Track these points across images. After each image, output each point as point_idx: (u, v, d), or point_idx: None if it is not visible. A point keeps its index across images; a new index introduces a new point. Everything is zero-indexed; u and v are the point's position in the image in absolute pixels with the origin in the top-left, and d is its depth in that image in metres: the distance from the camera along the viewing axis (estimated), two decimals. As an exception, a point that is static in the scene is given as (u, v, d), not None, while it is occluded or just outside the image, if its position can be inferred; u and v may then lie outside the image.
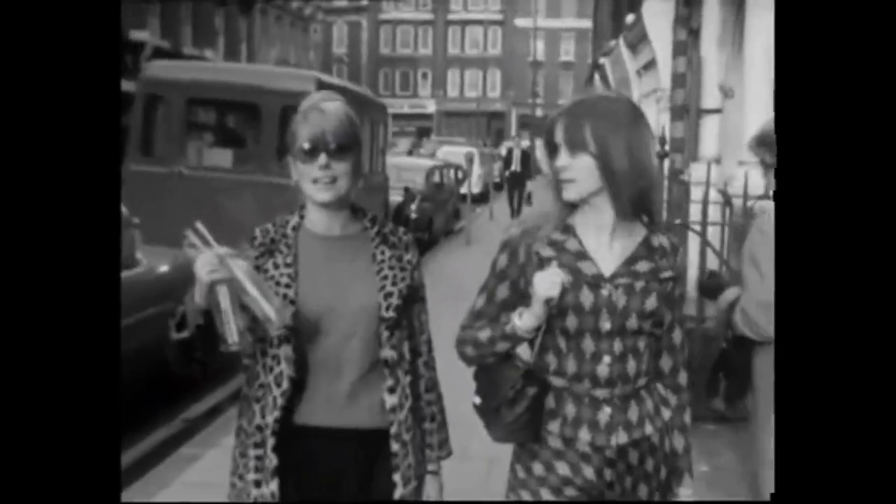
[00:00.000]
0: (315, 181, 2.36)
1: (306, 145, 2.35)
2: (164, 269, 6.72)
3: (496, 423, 2.31)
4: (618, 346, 2.27)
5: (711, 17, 10.50)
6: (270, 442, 2.35)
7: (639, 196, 2.25)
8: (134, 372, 5.90)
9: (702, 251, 6.49)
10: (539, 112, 57.24)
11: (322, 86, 9.55)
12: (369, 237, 2.48)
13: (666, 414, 2.36)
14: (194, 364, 2.45)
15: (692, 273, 6.44)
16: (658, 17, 14.57)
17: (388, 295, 2.42)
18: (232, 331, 2.20)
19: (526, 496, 2.31)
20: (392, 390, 2.42)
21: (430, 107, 66.67)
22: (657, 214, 2.35)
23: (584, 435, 2.27)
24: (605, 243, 2.30)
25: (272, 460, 2.35)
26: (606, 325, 2.26)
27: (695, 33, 11.84)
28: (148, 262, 6.58)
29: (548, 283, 2.18)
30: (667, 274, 2.32)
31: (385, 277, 2.44)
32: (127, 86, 20.12)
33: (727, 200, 7.38)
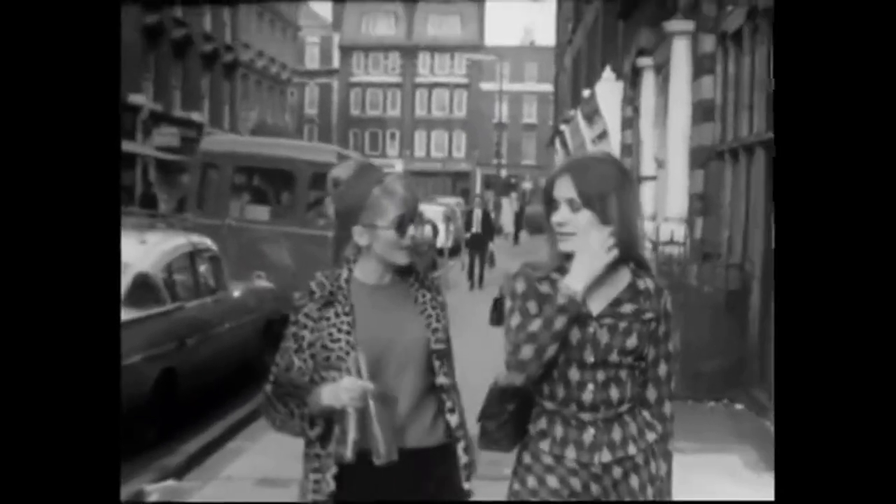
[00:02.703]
0: (404, 249, 2.63)
1: (398, 221, 2.60)
2: (237, 294, 9.03)
3: (480, 433, 2.61)
4: (601, 375, 2.47)
5: (647, 104, 13.06)
6: (333, 470, 2.58)
7: (627, 247, 2.46)
8: (223, 367, 8.25)
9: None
10: (503, 172, 59.58)
11: (342, 158, 11.98)
12: (409, 283, 2.74)
13: (650, 437, 2.53)
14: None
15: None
16: (608, 95, 17.17)
17: (436, 330, 2.70)
18: (377, 444, 2.49)
19: None
20: (452, 411, 2.70)
21: (398, 166, 67.85)
22: (644, 261, 2.57)
23: (571, 453, 2.48)
24: (595, 286, 2.47)
25: (330, 485, 2.59)
26: (590, 359, 2.46)
27: (638, 111, 14.36)
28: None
29: (607, 244, 2.42)
30: (649, 315, 2.50)
31: (429, 316, 2.71)
32: (128, 146, 22.34)
33: (654, 247, 9.87)
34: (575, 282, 2.42)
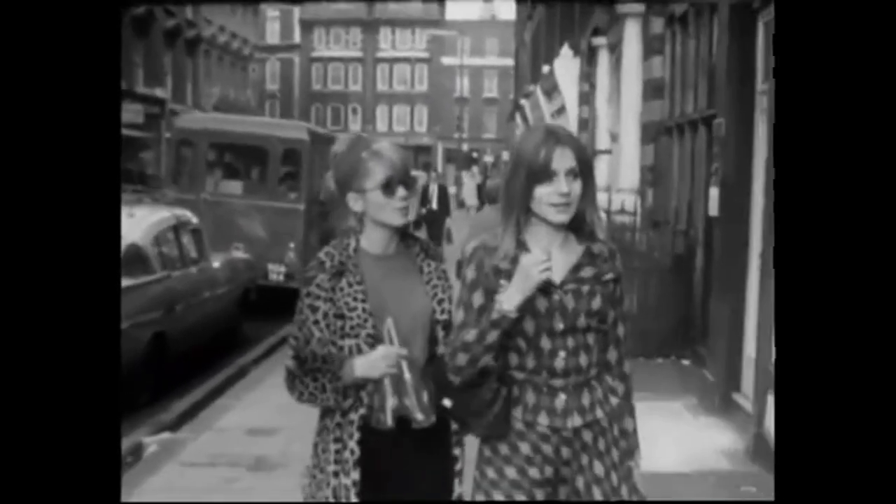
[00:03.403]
0: (396, 210, 2.68)
1: (385, 182, 2.67)
2: (217, 264, 9.58)
3: (478, 423, 2.57)
4: (570, 342, 2.51)
5: (602, 80, 13.70)
6: (357, 436, 2.65)
7: (590, 220, 2.56)
8: (207, 332, 8.84)
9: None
10: (464, 146, 60.02)
11: (312, 134, 12.54)
12: (415, 253, 2.80)
13: (614, 400, 2.59)
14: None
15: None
16: (566, 71, 17.75)
17: (441, 301, 2.77)
18: (416, 408, 2.63)
19: (491, 473, 2.55)
20: None
21: (352, 134, 67.88)
22: (594, 231, 2.59)
23: (543, 419, 2.52)
24: (554, 255, 2.50)
25: (355, 452, 2.65)
26: (559, 325, 2.50)
27: (594, 87, 14.99)
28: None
29: (541, 267, 2.42)
30: (608, 277, 2.57)
31: (435, 286, 2.78)
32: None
33: (608, 216, 10.55)
34: (508, 303, 2.44)
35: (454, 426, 2.73)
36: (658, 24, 10.45)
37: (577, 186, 2.47)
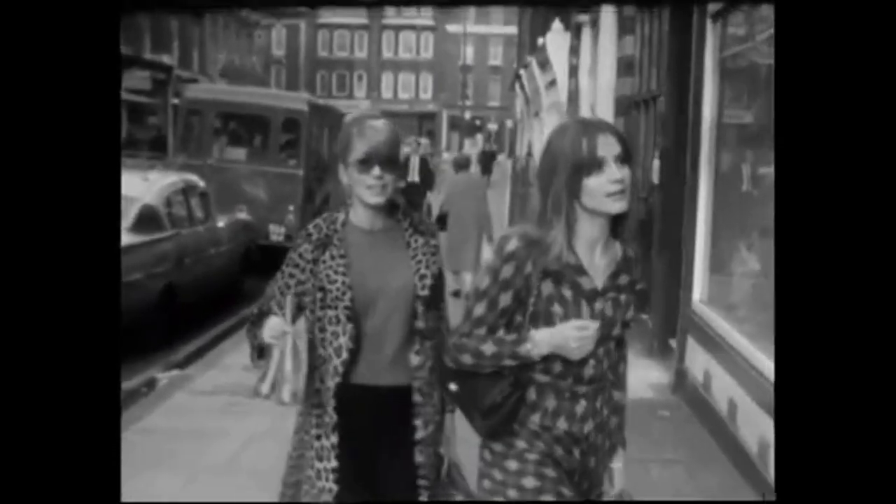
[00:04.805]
0: (369, 187, 2.67)
1: (362, 158, 2.66)
2: (221, 224, 10.52)
3: (484, 423, 2.48)
4: (601, 350, 2.43)
5: (584, 56, 14.51)
6: (332, 402, 2.72)
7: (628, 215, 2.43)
8: (212, 285, 9.79)
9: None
10: (468, 114, 60.69)
11: (311, 105, 13.45)
12: (403, 228, 2.81)
13: (617, 395, 2.55)
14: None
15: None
16: (557, 45, 18.46)
17: (423, 276, 2.77)
18: (282, 386, 2.65)
19: (513, 465, 2.46)
20: (418, 353, 2.76)
21: (365, 108, 68.84)
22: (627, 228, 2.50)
23: (562, 424, 2.45)
24: (594, 258, 2.43)
25: (332, 417, 2.72)
26: (597, 335, 2.39)
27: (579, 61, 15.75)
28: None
29: (583, 346, 2.35)
30: (641, 285, 2.51)
31: (419, 262, 2.78)
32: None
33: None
34: (537, 350, 2.39)
35: (417, 399, 2.78)
36: (631, 6, 11.26)
37: (627, 171, 2.36)
